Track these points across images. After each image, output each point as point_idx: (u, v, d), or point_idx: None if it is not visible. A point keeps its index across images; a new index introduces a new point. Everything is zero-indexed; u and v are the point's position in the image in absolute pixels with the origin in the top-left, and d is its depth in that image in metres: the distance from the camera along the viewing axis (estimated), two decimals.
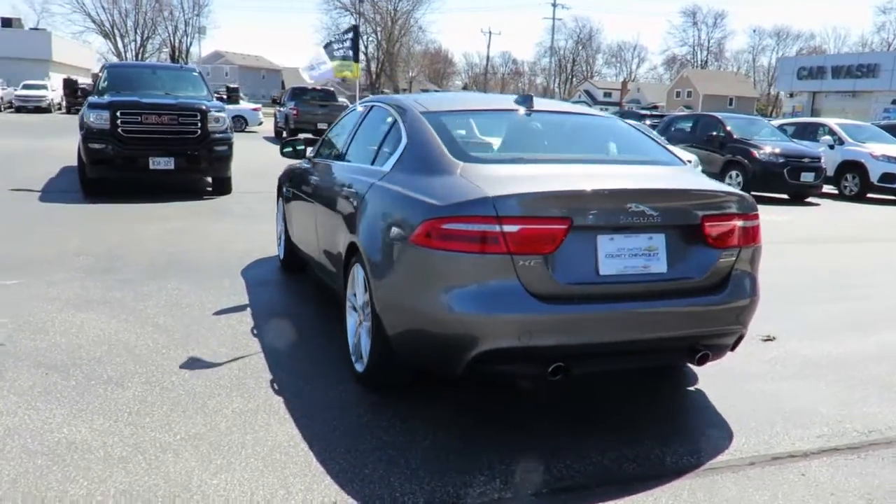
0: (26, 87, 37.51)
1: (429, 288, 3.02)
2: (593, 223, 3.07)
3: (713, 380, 3.99)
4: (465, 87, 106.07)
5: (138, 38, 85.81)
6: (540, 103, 4.09)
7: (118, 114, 9.94)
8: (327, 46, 6.96)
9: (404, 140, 3.71)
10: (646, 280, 3.15)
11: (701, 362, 3.30)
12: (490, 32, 74.42)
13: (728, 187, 3.54)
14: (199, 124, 10.27)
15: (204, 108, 10.37)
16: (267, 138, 24.18)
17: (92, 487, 2.66)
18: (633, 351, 3.24)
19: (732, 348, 3.51)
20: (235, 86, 12.57)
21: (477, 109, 4.28)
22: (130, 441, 3.03)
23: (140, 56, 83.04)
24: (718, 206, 3.30)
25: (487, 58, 78.96)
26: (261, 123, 29.60)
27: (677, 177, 3.52)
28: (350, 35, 6.53)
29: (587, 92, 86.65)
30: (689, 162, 11.87)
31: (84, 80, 41.92)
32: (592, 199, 3.09)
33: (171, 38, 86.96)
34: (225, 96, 12.08)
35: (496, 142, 3.95)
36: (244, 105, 30.36)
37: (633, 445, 3.17)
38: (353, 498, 2.67)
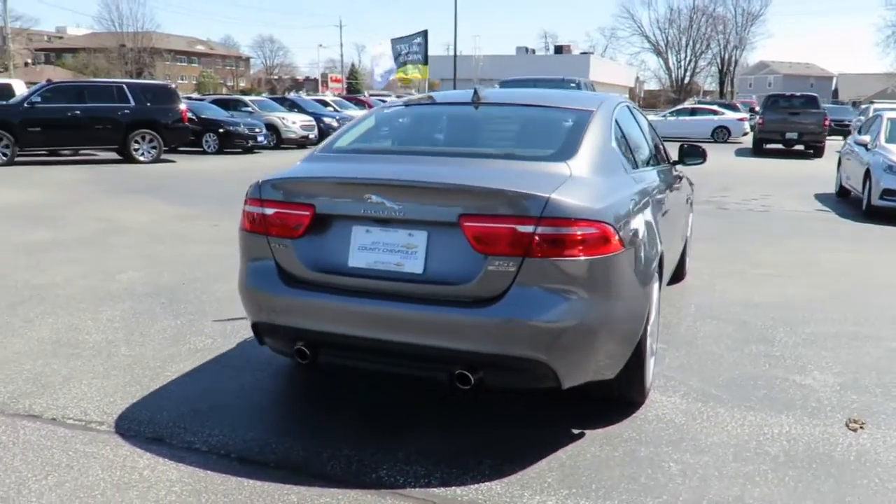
0: None
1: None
2: (344, 213, 3.00)
3: (626, 430, 3.22)
4: None
5: (689, 54, 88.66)
6: (492, 96, 3.84)
7: None
8: (393, 48, 6.74)
9: None
10: (397, 279, 2.92)
11: (463, 383, 2.85)
12: None
13: (522, 186, 2.82)
14: None
15: None
16: (741, 150, 23.25)
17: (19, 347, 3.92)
18: (383, 352, 3.01)
19: (559, 385, 2.89)
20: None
21: (434, 103, 4.19)
22: (85, 342, 4.21)
23: (692, 72, 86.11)
24: (485, 206, 2.79)
25: None
26: (745, 134, 28.31)
27: (475, 172, 3.05)
28: (418, 39, 6.24)
29: None
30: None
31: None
32: (332, 188, 3.03)
33: (722, 52, 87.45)
34: None
35: (398, 137, 3.87)
36: (729, 115, 29.51)
37: (381, 452, 3.00)
38: (99, 402, 3.33)
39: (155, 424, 3.24)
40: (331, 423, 3.30)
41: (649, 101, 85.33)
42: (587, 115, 3.58)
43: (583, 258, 2.79)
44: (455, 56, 43.24)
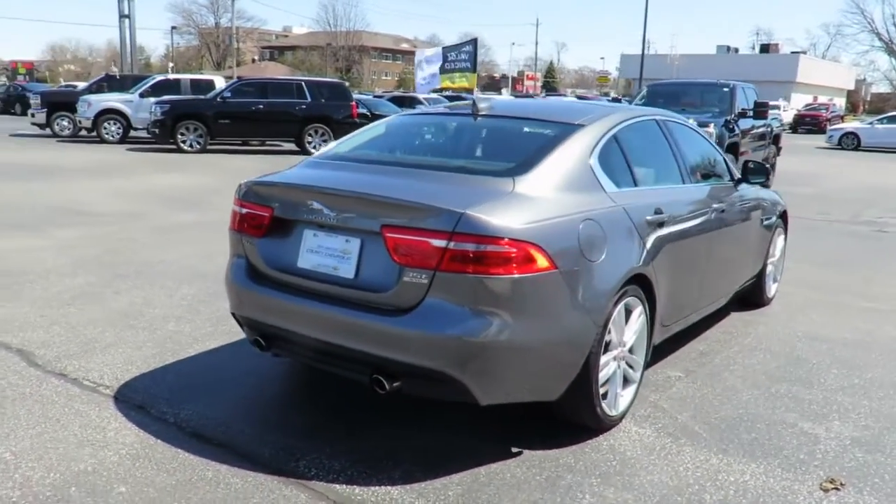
0: None
1: None
2: (296, 217, 3.19)
3: (566, 455, 3.13)
4: None
5: None
6: (497, 108, 3.83)
7: None
8: (443, 55, 6.26)
9: None
10: (333, 282, 3.07)
11: (379, 388, 2.94)
12: None
13: (442, 201, 2.85)
14: None
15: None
16: None
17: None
18: (319, 351, 3.14)
19: (477, 401, 2.89)
20: (764, 101, 11.92)
21: (437, 114, 4.23)
22: (147, 315, 4.75)
23: None
24: (403, 218, 2.85)
25: None
26: None
27: (412, 184, 3.09)
28: (468, 48, 5.78)
29: None
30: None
31: (823, 99, 42.25)
32: (286, 193, 3.22)
33: None
34: (750, 112, 11.68)
35: (387, 146, 3.93)
36: None
37: (315, 445, 3.17)
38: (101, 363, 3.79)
39: (147, 394, 3.65)
40: (294, 412, 3.54)
41: (876, 105, 76.79)
42: (570, 129, 3.49)
43: (498, 276, 2.76)
44: (643, 55, 41.82)
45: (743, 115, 11.57)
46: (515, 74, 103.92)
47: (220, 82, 20.82)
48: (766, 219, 5.28)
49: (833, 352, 4.64)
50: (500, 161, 3.37)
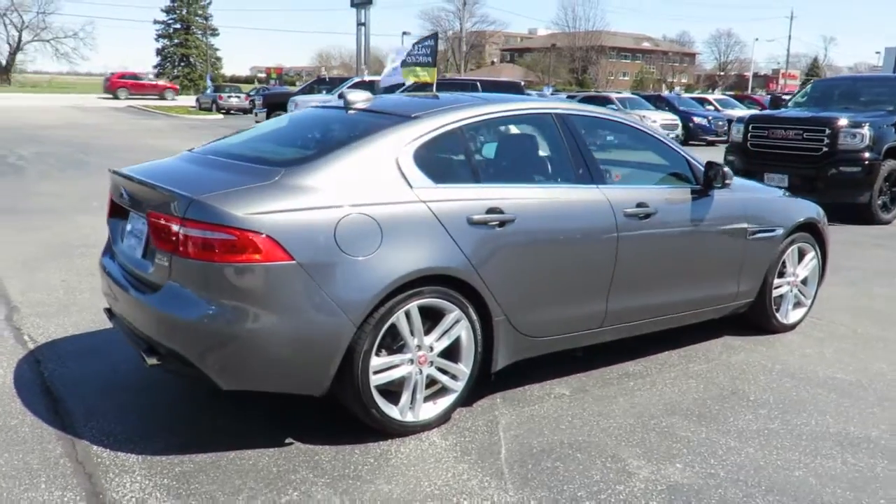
0: None
1: None
2: (120, 202, 3.45)
3: (329, 453, 3.07)
4: None
5: None
6: (365, 101, 3.76)
7: (750, 127, 10.13)
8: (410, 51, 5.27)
9: None
10: (132, 262, 3.28)
11: (144, 363, 3.08)
12: None
13: (184, 187, 2.97)
14: (827, 140, 9.31)
15: (837, 122, 9.27)
16: None
17: None
18: (129, 330, 3.32)
19: (217, 386, 2.95)
20: None
21: (325, 107, 4.16)
22: None
23: None
24: (157, 204, 3.00)
25: None
26: None
27: (193, 172, 3.28)
28: (430, 42, 4.81)
29: None
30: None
31: None
32: (114, 180, 3.48)
33: None
34: None
35: (258, 138, 3.95)
36: None
37: (123, 415, 3.43)
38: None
39: (53, 351, 4.15)
40: (147, 381, 3.80)
41: None
42: (397, 122, 3.37)
43: (223, 264, 2.79)
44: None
45: None
46: (770, 73, 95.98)
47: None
48: (764, 231, 4.55)
49: (792, 392, 3.91)
50: (304, 151, 3.37)
